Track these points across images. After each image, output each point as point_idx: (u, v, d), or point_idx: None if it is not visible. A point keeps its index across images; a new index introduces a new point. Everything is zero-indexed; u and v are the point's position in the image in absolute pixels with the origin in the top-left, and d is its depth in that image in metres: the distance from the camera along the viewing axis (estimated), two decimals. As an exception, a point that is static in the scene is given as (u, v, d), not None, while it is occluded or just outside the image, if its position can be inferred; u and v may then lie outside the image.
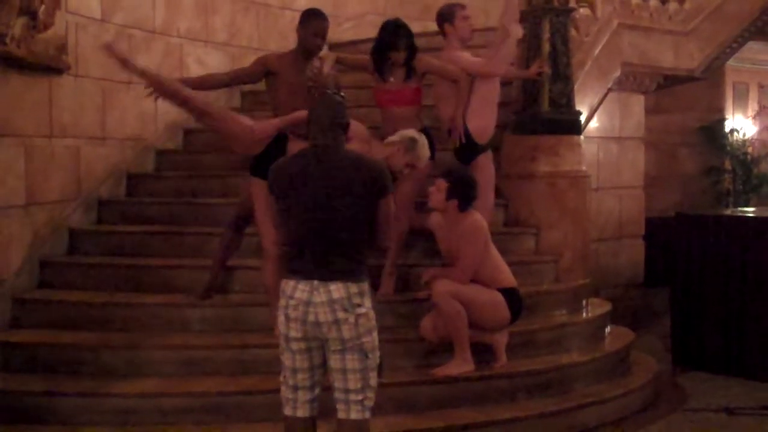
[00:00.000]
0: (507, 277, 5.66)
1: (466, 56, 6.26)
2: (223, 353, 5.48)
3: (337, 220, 4.00)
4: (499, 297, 5.56)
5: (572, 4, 7.75)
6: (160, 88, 5.44)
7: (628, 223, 8.66)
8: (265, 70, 5.92)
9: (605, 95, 8.12)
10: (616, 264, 8.53)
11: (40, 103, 6.28)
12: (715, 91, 12.12)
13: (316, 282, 3.96)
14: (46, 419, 5.06)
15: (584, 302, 6.72)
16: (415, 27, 9.09)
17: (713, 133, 11.95)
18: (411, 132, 5.58)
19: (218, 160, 7.37)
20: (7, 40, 5.64)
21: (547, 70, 6.74)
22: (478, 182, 5.98)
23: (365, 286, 4.06)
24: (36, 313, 5.87)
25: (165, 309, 5.81)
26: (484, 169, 6.29)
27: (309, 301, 3.95)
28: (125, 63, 5.46)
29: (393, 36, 6.01)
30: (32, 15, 5.96)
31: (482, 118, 6.22)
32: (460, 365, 5.52)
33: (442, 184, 5.53)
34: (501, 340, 5.71)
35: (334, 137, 4.13)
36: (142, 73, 5.48)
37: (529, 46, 6.85)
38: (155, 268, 6.24)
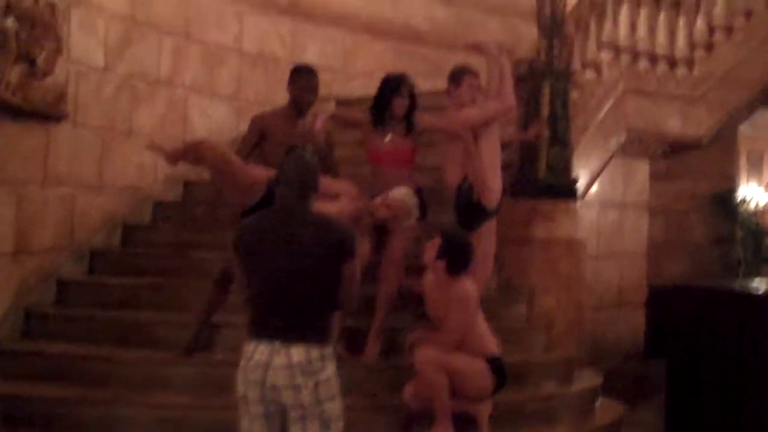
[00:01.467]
0: (492, 346, 5.55)
1: (470, 110, 6.11)
2: (202, 414, 5.39)
3: (300, 282, 3.95)
4: (483, 366, 5.44)
5: (576, 67, 7.77)
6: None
7: (628, 291, 8.52)
8: (259, 131, 5.89)
9: (608, 160, 8.04)
10: (615, 333, 8.38)
11: (36, 151, 6.29)
12: (728, 159, 11.96)
13: (277, 344, 3.91)
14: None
15: (575, 373, 6.58)
16: (424, 85, 9.14)
17: (724, 201, 11.79)
18: (407, 197, 5.54)
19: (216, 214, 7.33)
20: (2, 88, 5.65)
21: (544, 133, 6.68)
22: (479, 251, 5.91)
23: (328, 350, 4.01)
24: (16, 364, 5.80)
25: (146, 365, 5.73)
26: (487, 236, 6.15)
27: (268, 364, 3.90)
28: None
29: (396, 84, 5.99)
30: (31, 62, 5.99)
31: (491, 182, 6.12)
32: (441, 435, 5.41)
33: (437, 241, 5.45)
34: (484, 410, 5.58)
35: (302, 197, 4.09)
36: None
37: (528, 109, 6.81)
38: (141, 323, 6.17)
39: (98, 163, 7.03)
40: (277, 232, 4.02)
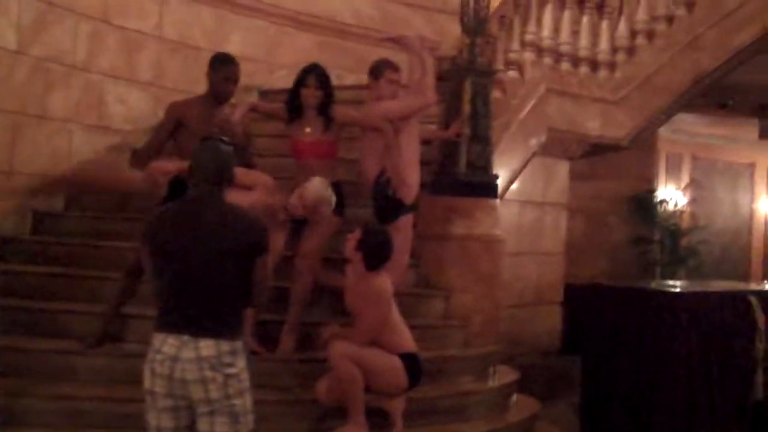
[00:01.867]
0: (407, 342, 5.52)
1: (389, 103, 6.13)
2: (110, 406, 5.24)
3: (210, 276, 3.89)
4: (398, 362, 5.41)
5: (500, 65, 7.79)
6: None
7: (546, 289, 8.56)
8: (176, 119, 5.77)
9: (530, 159, 8.07)
10: (533, 330, 8.42)
11: (-59, 134, 6.09)
12: (647, 161, 12.23)
13: (186, 337, 3.84)
14: None
15: (492, 369, 6.59)
16: (350, 79, 9.11)
17: (643, 202, 12.02)
18: (322, 191, 5.47)
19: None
20: None
21: (465, 131, 6.67)
22: (395, 244, 5.89)
23: (239, 344, 3.95)
24: None
25: (53, 356, 5.57)
26: (404, 230, 6.15)
27: (177, 357, 3.83)
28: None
29: (303, 74, 5.92)
30: (-63, 43, 5.80)
31: (408, 178, 6.11)
32: (354, 430, 5.35)
33: (357, 234, 5.41)
34: (398, 406, 5.55)
35: (215, 188, 4.02)
36: None
37: (450, 106, 6.79)
38: (50, 312, 6.01)
39: (9, 148, 6.84)
40: (188, 223, 3.95)
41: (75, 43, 7.53)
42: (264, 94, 8.92)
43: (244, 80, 9.03)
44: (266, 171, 6.95)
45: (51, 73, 7.24)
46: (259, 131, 7.73)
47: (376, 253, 5.42)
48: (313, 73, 5.90)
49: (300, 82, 5.92)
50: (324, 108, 5.91)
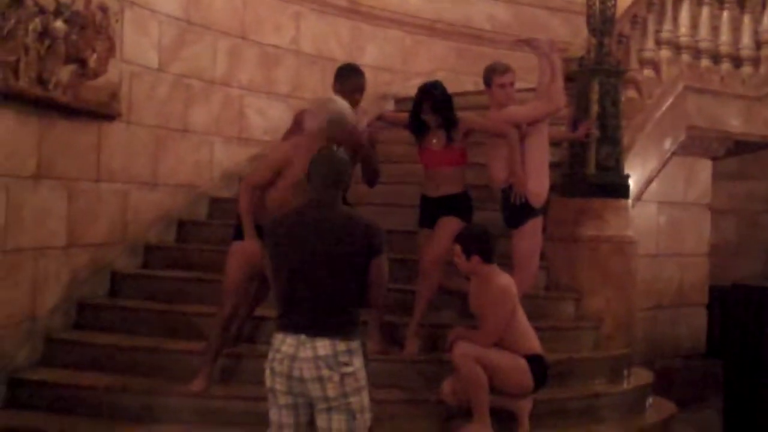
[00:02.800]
0: (533, 343, 5.50)
1: (515, 109, 6.10)
2: (237, 404, 5.45)
3: (326, 277, 3.98)
4: (523, 363, 5.40)
5: (634, 65, 7.66)
6: None
7: (689, 292, 8.34)
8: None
9: (668, 159, 7.89)
10: (675, 333, 8.22)
11: (88, 148, 6.44)
12: (802, 159, 11.69)
13: (303, 337, 3.94)
14: (57, 460, 5.13)
15: (625, 372, 6.47)
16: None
17: (798, 201, 11.50)
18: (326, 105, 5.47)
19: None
20: (51, 86, 5.80)
21: (595, 132, 6.60)
22: (523, 247, 5.98)
23: (355, 344, 4.02)
24: (65, 354, 5.97)
25: (189, 356, 5.80)
26: (533, 234, 6.12)
27: (295, 356, 3.94)
28: None
29: (419, 99, 5.97)
30: (82, 63, 6.14)
31: (537, 180, 6.05)
32: (479, 429, 5.37)
33: (457, 248, 5.43)
34: (525, 407, 5.53)
35: (332, 194, 4.12)
36: None
37: (578, 107, 6.72)
38: (187, 315, 6.28)
39: (153, 161, 7.18)
40: (306, 225, 4.06)
41: (214, 59, 7.84)
42: (400, 101, 9.05)
43: (380, 89, 9.35)
44: (400, 176, 7.16)
45: (192, 89, 7.56)
46: (394, 139, 7.86)
47: (480, 244, 5.41)
48: (427, 100, 5.92)
49: (418, 106, 5.97)
50: (444, 126, 5.94)
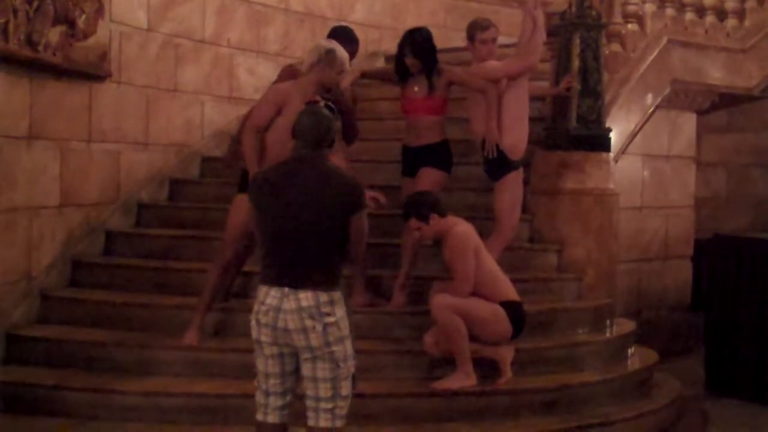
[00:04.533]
0: (507, 290, 5.65)
1: (493, 64, 6.18)
2: (229, 356, 5.62)
3: (307, 230, 4.11)
4: (500, 310, 5.56)
5: (618, 19, 7.74)
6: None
7: (674, 244, 8.47)
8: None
9: (653, 112, 7.99)
10: (662, 285, 8.37)
11: (80, 109, 6.55)
12: (790, 110, 11.75)
13: (286, 289, 4.07)
14: (54, 412, 5.29)
15: (607, 322, 6.63)
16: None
17: (787, 153, 11.59)
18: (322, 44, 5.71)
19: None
20: (40, 48, 5.90)
21: (576, 85, 6.70)
22: (504, 200, 6.11)
23: (337, 295, 4.15)
24: (61, 310, 6.14)
25: (180, 311, 5.96)
26: (513, 186, 6.24)
27: (279, 308, 4.07)
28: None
29: (402, 42, 6.12)
30: (71, 23, 6.24)
31: (514, 134, 6.16)
32: (461, 379, 5.52)
33: (412, 222, 5.60)
34: (506, 355, 5.69)
35: (316, 150, 4.24)
36: None
37: (560, 62, 6.82)
38: (180, 271, 6.45)
39: (144, 120, 7.28)
40: (289, 181, 4.18)
41: (203, 18, 7.91)
42: (390, 59, 9.09)
43: (370, 47, 9.42)
44: (385, 133, 7.29)
45: (181, 49, 7.65)
46: (378, 95, 7.98)
47: (427, 203, 5.58)
48: (408, 43, 6.08)
49: (401, 49, 6.11)
50: (428, 71, 6.07)
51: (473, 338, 5.54)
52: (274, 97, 5.62)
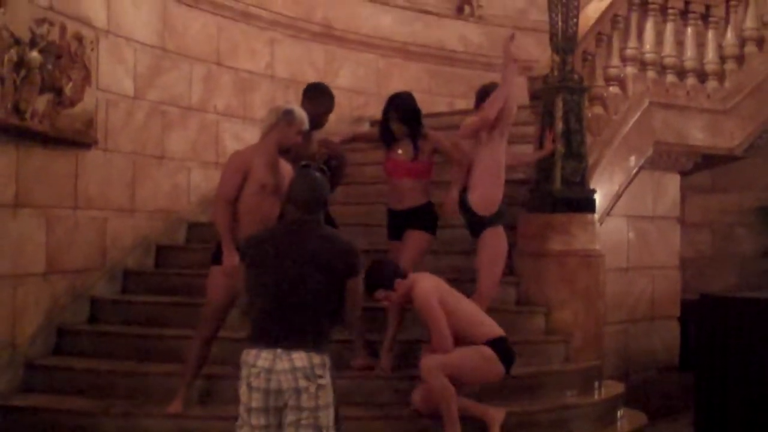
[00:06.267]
0: (490, 328, 5.65)
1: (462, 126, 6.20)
2: (215, 424, 5.53)
3: (303, 294, 4.16)
4: (488, 351, 5.54)
5: (600, 82, 7.83)
6: None
7: (661, 305, 8.45)
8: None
9: (636, 174, 8.04)
10: (649, 346, 8.35)
11: (66, 176, 6.58)
12: (772, 170, 11.85)
13: (279, 350, 4.10)
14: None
15: (596, 384, 6.61)
16: (460, 104, 9.27)
17: (772, 213, 11.65)
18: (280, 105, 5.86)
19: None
20: (27, 116, 5.94)
21: (560, 148, 6.74)
22: (482, 257, 6.12)
23: (327, 359, 4.18)
24: (45, 379, 6.10)
25: (166, 379, 5.92)
26: (492, 243, 6.18)
27: (271, 369, 4.08)
28: None
29: (387, 107, 6.20)
30: (58, 92, 6.29)
31: (483, 190, 6.11)
32: (450, 440, 5.49)
33: (379, 294, 5.59)
34: (496, 416, 5.65)
35: (311, 213, 4.29)
36: None
37: (543, 125, 6.88)
38: (166, 338, 6.41)
39: (130, 187, 7.31)
40: (285, 242, 4.24)
41: (190, 85, 7.99)
42: (375, 124, 9.17)
43: (355, 112, 9.51)
44: (372, 197, 7.33)
45: (168, 115, 7.71)
46: (365, 159, 8.02)
47: (386, 270, 5.61)
48: (393, 108, 6.16)
49: (386, 113, 6.16)
50: (413, 136, 6.12)
51: (470, 383, 5.59)
52: (237, 165, 5.64)
